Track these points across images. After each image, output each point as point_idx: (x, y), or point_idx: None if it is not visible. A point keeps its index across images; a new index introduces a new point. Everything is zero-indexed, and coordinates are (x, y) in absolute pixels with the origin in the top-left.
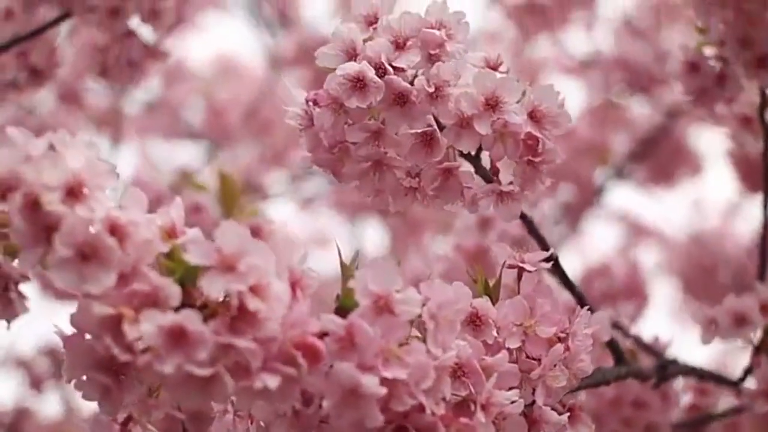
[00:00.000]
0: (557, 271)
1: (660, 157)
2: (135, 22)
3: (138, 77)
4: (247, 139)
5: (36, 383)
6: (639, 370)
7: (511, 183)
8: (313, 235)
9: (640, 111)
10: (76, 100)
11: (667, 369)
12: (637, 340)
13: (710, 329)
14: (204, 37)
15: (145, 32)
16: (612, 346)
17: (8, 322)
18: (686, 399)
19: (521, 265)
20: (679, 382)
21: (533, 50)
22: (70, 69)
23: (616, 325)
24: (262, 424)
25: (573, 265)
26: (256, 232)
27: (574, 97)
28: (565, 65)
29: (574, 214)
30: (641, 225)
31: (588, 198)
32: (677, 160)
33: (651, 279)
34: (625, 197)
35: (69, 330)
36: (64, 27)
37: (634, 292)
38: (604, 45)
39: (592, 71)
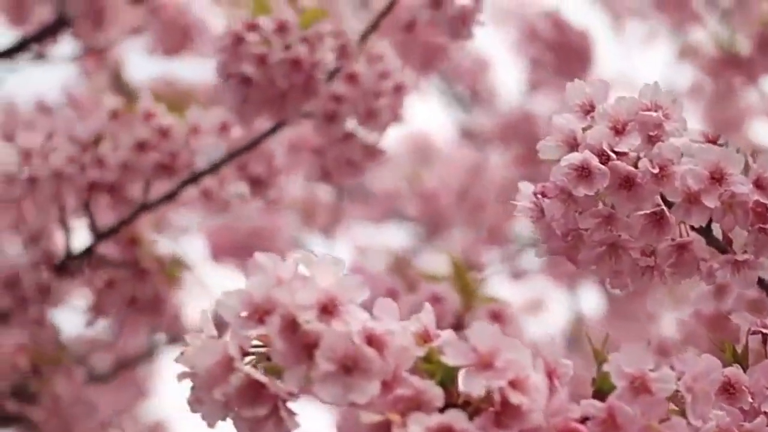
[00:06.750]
0: None
1: None
2: (351, 124)
3: (358, 176)
4: (460, 221)
5: None
6: None
7: (745, 252)
8: (526, 302)
9: None
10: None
11: None
12: None
13: None
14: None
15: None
16: None
17: None
18: None
19: (764, 330)
20: None
21: (736, 100)
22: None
23: None
24: None
25: None
26: (497, 318)
27: None
28: None
29: None
30: None
31: None
32: None
33: None
34: None
35: None
36: None
37: None
38: None
39: None
